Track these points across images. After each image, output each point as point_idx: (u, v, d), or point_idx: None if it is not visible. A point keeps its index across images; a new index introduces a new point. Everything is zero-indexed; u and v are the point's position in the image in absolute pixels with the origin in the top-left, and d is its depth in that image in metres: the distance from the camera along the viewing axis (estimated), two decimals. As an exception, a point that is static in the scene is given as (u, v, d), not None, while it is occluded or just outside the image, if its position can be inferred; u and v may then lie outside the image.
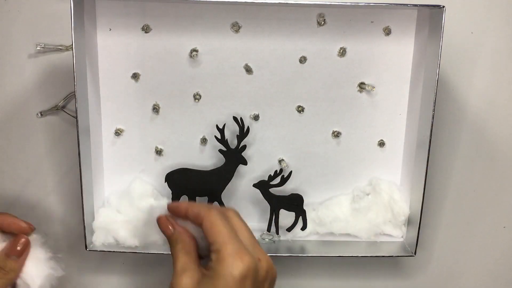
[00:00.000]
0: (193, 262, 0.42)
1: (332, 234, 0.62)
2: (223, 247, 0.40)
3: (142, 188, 0.60)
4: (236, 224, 0.43)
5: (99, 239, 0.58)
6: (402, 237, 0.62)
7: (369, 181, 0.63)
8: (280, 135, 0.61)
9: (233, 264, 0.39)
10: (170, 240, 0.44)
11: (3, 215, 0.47)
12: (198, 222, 0.43)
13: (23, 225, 0.48)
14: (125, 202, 0.60)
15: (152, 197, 0.60)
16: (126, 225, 0.58)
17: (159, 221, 0.45)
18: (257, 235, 0.61)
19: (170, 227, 0.45)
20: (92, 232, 0.58)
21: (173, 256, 0.43)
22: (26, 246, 0.47)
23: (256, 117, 0.60)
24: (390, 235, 0.62)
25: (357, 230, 0.61)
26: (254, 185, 0.59)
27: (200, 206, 0.44)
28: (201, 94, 0.59)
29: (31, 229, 0.48)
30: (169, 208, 0.46)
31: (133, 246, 0.58)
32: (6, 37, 0.59)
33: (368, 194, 0.62)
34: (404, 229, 0.62)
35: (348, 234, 0.62)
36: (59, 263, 0.48)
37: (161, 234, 0.45)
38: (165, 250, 0.58)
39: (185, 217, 0.44)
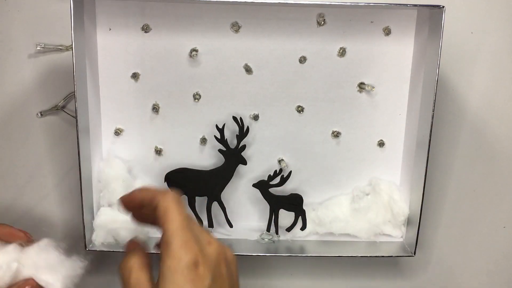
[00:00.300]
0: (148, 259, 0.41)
1: (331, 234, 0.62)
2: (174, 238, 0.37)
3: None
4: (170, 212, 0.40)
5: (99, 238, 0.58)
6: (401, 237, 0.62)
7: (369, 181, 0.63)
8: (280, 135, 0.61)
9: (181, 255, 0.37)
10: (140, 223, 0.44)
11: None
12: (152, 207, 0.40)
13: (20, 234, 0.46)
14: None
15: None
16: (127, 225, 0.58)
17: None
18: (256, 235, 0.61)
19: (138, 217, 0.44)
20: (92, 231, 0.58)
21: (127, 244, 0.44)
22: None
23: (255, 117, 0.60)
24: (389, 235, 0.62)
25: (356, 230, 0.61)
26: (254, 185, 0.59)
27: (154, 190, 0.42)
28: (201, 94, 0.59)
29: (28, 238, 0.46)
30: (122, 201, 0.43)
31: None
32: (6, 37, 0.59)
33: (367, 194, 0.62)
34: (403, 229, 0.62)
35: (347, 234, 0.62)
36: (75, 262, 0.48)
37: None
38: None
39: (140, 205, 0.42)
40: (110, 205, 0.59)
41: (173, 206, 0.39)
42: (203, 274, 0.37)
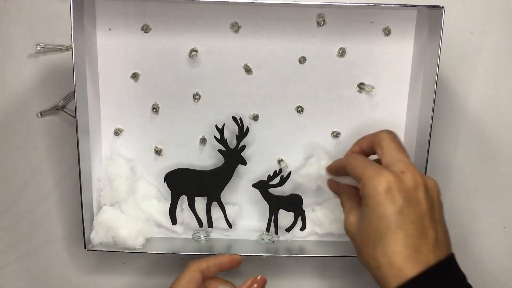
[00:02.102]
0: (355, 204, 0.49)
1: (331, 234, 0.62)
2: (362, 175, 0.45)
3: (146, 188, 0.60)
4: (383, 146, 0.49)
5: (97, 237, 0.58)
6: None
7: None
8: (280, 135, 0.61)
9: (374, 183, 0.43)
10: (338, 193, 0.54)
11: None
12: (346, 171, 0.49)
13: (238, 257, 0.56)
14: (128, 203, 0.60)
15: (156, 198, 0.61)
16: (127, 225, 0.58)
17: (328, 184, 0.56)
18: (256, 235, 0.61)
19: (336, 185, 0.55)
20: (91, 230, 0.58)
21: (341, 204, 0.52)
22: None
23: (255, 117, 0.60)
24: None
25: None
26: (254, 185, 0.59)
27: (343, 159, 0.53)
28: (201, 94, 0.59)
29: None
30: (328, 169, 0.56)
31: (132, 248, 0.58)
32: (6, 37, 0.59)
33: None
34: None
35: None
36: None
37: None
38: (165, 250, 0.58)
39: (343, 170, 0.51)
40: (112, 204, 0.59)
41: (352, 160, 0.49)
42: (396, 197, 0.42)
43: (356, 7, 0.55)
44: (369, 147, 0.51)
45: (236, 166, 0.59)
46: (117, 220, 0.58)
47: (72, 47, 0.51)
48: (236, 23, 0.57)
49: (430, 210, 0.44)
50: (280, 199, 0.59)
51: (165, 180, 0.59)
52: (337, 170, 0.54)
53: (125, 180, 0.59)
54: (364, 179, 0.44)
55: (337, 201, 0.62)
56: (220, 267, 0.53)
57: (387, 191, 0.42)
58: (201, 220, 0.60)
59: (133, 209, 0.60)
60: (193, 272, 0.51)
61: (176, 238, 0.62)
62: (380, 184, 0.43)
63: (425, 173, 0.56)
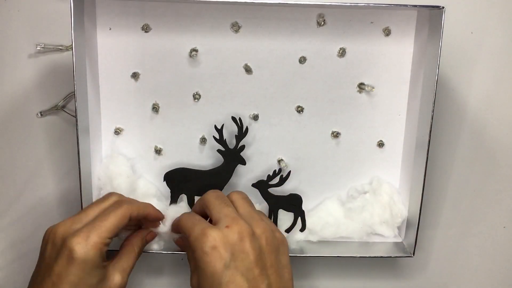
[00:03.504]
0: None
1: (325, 239, 0.62)
2: (189, 237, 0.45)
3: (145, 187, 0.60)
4: (208, 206, 0.49)
5: None
6: (394, 236, 0.62)
7: (370, 180, 0.63)
8: (279, 135, 0.61)
9: (200, 244, 0.44)
10: (185, 251, 0.54)
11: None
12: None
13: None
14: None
15: (155, 197, 0.61)
16: None
17: (175, 242, 0.57)
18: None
19: (182, 242, 0.56)
20: None
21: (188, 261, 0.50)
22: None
23: (255, 117, 0.60)
24: (381, 235, 0.62)
25: (349, 232, 0.61)
26: (253, 185, 0.59)
27: (177, 218, 0.53)
28: (201, 93, 0.59)
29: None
30: (172, 228, 0.55)
31: None
32: (6, 37, 0.59)
33: (365, 193, 0.62)
34: (396, 229, 0.62)
35: (341, 237, 0.62)
36: None
37: None
38: (164, 250, 0.58)
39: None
40: None
41: (182, 219, 0.50)
42: (222, 253, 0.43)
43: (356, 7, 0.55)
44: (201, 211, 0.52)
45: (236, 166, 0.59)
46: None
47: (72, 47, 0.51)
48: (236, 23, 0.57)
49: (259, 259, 0.44)
50: (280, 199, 0.59)
51: (164, 179, 0.59)
52: (177, 228, 0.53)
53: (125, 179, 0.59)
54: (191, 241, 0.45)
55: (324, 206, 0.62)
56: (144, 218, 0.53)
57: (213, 249, 0.43)
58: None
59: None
60: (123, 216, 0.48)
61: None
62: (205, 244, 0.43)
63: (425, 173, 0.56)
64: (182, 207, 0.59)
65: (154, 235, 0.56)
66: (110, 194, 0.52)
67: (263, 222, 0.47)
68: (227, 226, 0.44)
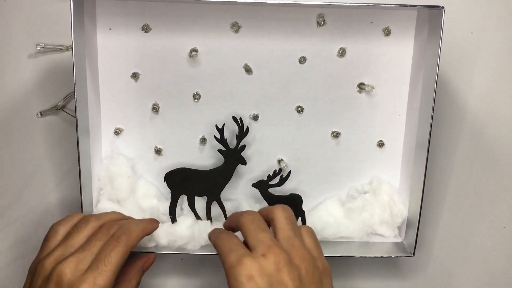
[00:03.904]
0: None
1: (325, 239, 0.62)
2: (224, 264, 0.43)
3: (146, 188, 0.60)
4: (243, 229, 0.46)
5: None
6: (394, 236, 0.62)
7: (370, 180, 0.63)
8: (280, 135, 0.61)
9: (235, 273, 0.41)
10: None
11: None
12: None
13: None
14: (129, 202, 0.60)
15: (156, 197, 0.61)
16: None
17: None
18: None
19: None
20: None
21: None
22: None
23: (255, 117, 0.60)
24: (382, 235, 0.62)
25: (349, 232, 0.61)
26: (253, 185, 0.59)
27: (212, 235, 0.49)
28: (201, 94, 0.59)
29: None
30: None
31: None
32: (6, 37, 0.59)
33: (365, 193, 0.62)
34: (396, 229, 0.62)
35: (341, 237, 0.62)
36: None
37: None
38: (164, 250, 0.58)
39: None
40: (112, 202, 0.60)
41: (218, 242, 0.46)
42: (259, 284, 0.40)
43: (356, 7, 0.55)
44: (233, 229, 0.50)
45: (236, 166, 0.59)
46: (116, 210, 0.58)
47: (72, 47, 0.51)
48: (236, 23, 0.57)
49: None
50: (280, 199, 0.59)
51: (165, 180, 0.59)
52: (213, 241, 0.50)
53: (126, 179, 0.59)
54: (226, 268, 0.42)
55: (324, 206, 0.62)
56: (144, 235, 0.52)
57: (248, 280, 0.40)
58: (201, 220, 0.60)
59: (132, 208, 0.60)
60: (125, 254, 0.47)
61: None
62: (240, 274, 0.41)
63: (425, 173, 0.56)
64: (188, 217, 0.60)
65: (151, 262, 0.55)
66: (91, 219, 0.50)
67: (303, 249, 0.44)
68: (263, 255, 0.42)
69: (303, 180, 0.62)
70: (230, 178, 0.59)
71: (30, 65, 0.60)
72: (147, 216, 0.58)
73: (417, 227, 0.58)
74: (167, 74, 0.58)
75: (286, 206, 0.48)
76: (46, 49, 0.59)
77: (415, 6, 0.54)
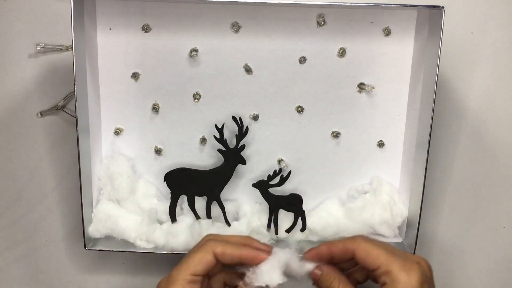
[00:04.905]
0: None
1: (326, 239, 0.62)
2: (392, 267, 0.42)
3: (146, 188, 0.60)
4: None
5: (96, 227, 0.58)
6: (394, 236, 0.62)
7: (370, 180, 0.63)
8: (280, 135, 0.61)
9: (408, 276, 0.41)
10: (322, 282, 0.46)
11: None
12: (348, 256, 0.45)
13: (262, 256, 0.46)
14: (128, 201, 0.60)
15: (156, 197, 0.61)
16: (126, 216, 0.58)
17: (313, 275, 0.46)
18: (254, 234, 0.61)
19: (317, 271, 0.46)
20: (90, 223, 0.58)
21: None
22: None
23: (255, 117, 0.60)
24: (382, 235, 0.62)
25: (349, 232, 0.61)
26: (253, 185, 0.59)
27: (341, 241, 0.46)
28: (201, 93, 0.59)
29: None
30: (309, 257, 0.46)
31: (131, 242, 0.58)
32: (6, 37, 0.59)
33: (365, 193, 0.62)
34: (396, 229, 0.62)
35: (342, 237, 0.61)
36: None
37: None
38: (165, 250, 0.58)
39: (329, 257, 0.46)
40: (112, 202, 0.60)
41: (369, 246, 0.44)
42: None
43: (356, 7, 0.55)
44: (343, 253, 0.46)
45: (236, 166, 0.59)
46: (116, 211, 0.58)
47: (72, 47, 0.51)
48: (236, 23, 0.57)
49: None
50: (280, 199, 0.59)
51: (165, 180, 0.59)
52: (324, 257, 0.47)
53: (126, 179, 0.59)
54: (395, 272, 0.41)
55: (324, 206, 0.62)
56: (239, 259, 0.45)
57: (421, 285, 0.41)
58: (200, 219, 0.60)
59: (132, 207, 0.60)
60: (206, 252, 0.45)
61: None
62: (413, 279, 0.41)
63: (425, 173, 0.56)
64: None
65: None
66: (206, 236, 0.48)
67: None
68: (418, 262, 0.43)
69: (303, 180, 0.62)
70: (230, 178, 0.59)
71: (30, 65, 0.60)
72: (145, 216, 0.59)
73: (417, 227, 0.58)
74: (167, 74, 0.58)
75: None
76: (46, 49, 0.59)
77: (415, 6, 0.54)
